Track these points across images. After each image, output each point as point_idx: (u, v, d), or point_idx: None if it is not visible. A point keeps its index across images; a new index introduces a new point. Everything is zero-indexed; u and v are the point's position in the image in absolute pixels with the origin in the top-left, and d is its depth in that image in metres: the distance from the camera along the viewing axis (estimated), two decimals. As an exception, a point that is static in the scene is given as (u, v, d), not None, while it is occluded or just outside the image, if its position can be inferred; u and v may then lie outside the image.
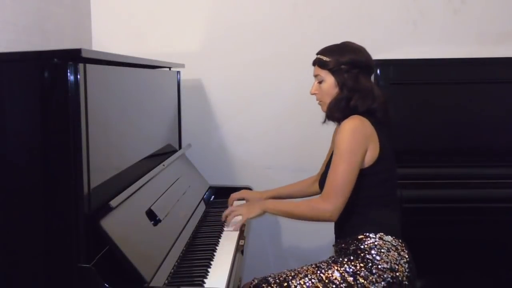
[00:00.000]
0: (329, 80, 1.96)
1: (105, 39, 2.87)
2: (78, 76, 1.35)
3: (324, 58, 1.97)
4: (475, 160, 2.61)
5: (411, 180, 2.54)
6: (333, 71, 1.95)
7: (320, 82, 1.99)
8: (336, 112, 1.95)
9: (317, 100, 2.03)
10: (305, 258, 2.59)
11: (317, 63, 2.00)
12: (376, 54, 2.75)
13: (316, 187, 2.18)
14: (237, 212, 2.06)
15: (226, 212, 2.10)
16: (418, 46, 2.83)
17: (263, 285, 1.89)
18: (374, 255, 1.81)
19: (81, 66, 1.37)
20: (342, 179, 1.81)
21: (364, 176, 1.87)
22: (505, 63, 2.67)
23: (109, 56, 1.65)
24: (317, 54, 2.01)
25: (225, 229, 2.07)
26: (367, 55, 1.98)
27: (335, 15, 2.87)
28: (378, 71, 2.58)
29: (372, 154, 1.87)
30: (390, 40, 2.86)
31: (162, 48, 2.88)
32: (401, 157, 2.58)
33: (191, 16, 2.91)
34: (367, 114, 1.90)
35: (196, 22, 2.91)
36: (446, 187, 2.53)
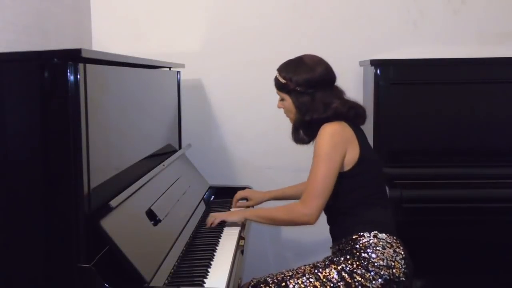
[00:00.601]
0: (288, 99, 1.99)
1: (105, 39, 2.87)
2: (78, 76, 1.35)
3: (280, 79, 1.99)
4: (475, 160, 2.61)
5: (411, 180, 2.54)
6: (289, 93, 1.98)
7: (282, 100, 2.03)
8: (302, 137, 2.02)
9: (284, 113, 2.07)
10: (305, 258, 2.59)
11: (275, 83, 2.03)
12: (376, 54, 2.78)
13: None
14: (219, 217, 2.07)
15: (209, 220, 2.09)
16: (418, 46, 2.83)
17: (261, 285, 1.89)
18: (370, 253, 1.81)
19: (81, 66, 1.37)
20: (319, 183, 1.83)
21: (349, 178, 1.89)
22: (505, 63, 2.67)
23: (109, 56, 1.65)
24: (276, 70, 2.03)
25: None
26: (322, 69, 1.95)
27: (335, 15, 2.87)
28: (378, 71, 2.57)
29: (352, 156, 1.89)
30: (390, 40, 2.86)
31: (162, 48, 2.87)
32: (401, 157, 2.59)
33: (191, 16, 2.91)
34: (343, 118, 1.92)
35: (196, 22, 2.92)
36: (446, 187, 2.53)
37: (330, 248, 2.01)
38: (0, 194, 1.42)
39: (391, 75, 2.59)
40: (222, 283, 1.60)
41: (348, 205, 1.90)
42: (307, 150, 2.86)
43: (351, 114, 1.93)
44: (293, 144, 2.94)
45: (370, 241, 1.83)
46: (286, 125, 2.95)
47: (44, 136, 1.39)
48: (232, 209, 2.37)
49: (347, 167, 1.89)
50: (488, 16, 2.85)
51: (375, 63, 2.59)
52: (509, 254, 2.56)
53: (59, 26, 2.44)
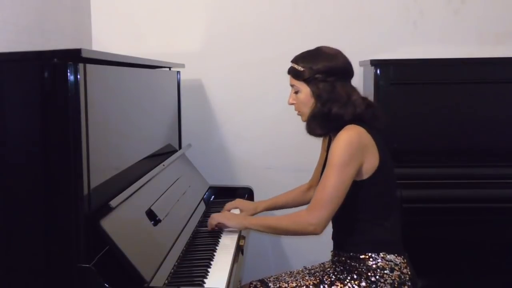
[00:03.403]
0: (305, 90, 1.87)
1: (105, 39, 2.87)
2: (78, 76, 1.35)
3: (297, 67, 1.87)
4: (475, 160, 2.61)
5: (411, 180, 2.53)
6: (307, 81, 1.85)
7: (296, 92, 1.90)
8: (317, 128, 1.86)
9: (295, 110, 1.95)
10: (305, 259, 2.59)
11: (291, 72, 1.90)
12: (376, 54, 2.78)
13: (310, 194, 2.14)
14: (217, 219, 1.99)
15: (210, 222, 2.02)
16: (418, 46, 2.83)
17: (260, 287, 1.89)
18: (378, 277, 1.78)
19: (81, 66, 1.37)
20: (329, 192, 1.74)
21: (366, 187, 1.80)
22: (505, 63, 2.67)
23: (109, 56, 1.65)
24: (291, 62, 1.92)
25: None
26: (343, 60, 1.87)
27: (335, 15, 2.88)
28: (378, 71, 2.57)
29: (371, 164, 1.80)
30: (390, 40, 2.86)
31: (162, 48, 2.88)
32: (401, 157, 2.59)
33: (191, 16, 2.91)
34: (358, 121, 1.82)
35: (196, 22, 2.92)
36: (446, 187, 2.53)
37: (331, 252, 1.98)
38: (0, 194, 1.42)
39: (391, 75, 2.59)
40: (222, 283, 1.60)
41: (358, 218, 1.81)
42: (307, 150, 2.86)
43: (368, 114, 1.83)
44: (293, 144, 2.97)
45: (378, 264, 1.79)
46: (286, 125, 2.97)
47: (44, 136, 1.39)
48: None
49: (365, 175, 1.79)
50: (488, 16, 2.85)
51: (375, 63, 2.59)
52: (510, 254, 2.56)
53: (59, 26, 2.44)
